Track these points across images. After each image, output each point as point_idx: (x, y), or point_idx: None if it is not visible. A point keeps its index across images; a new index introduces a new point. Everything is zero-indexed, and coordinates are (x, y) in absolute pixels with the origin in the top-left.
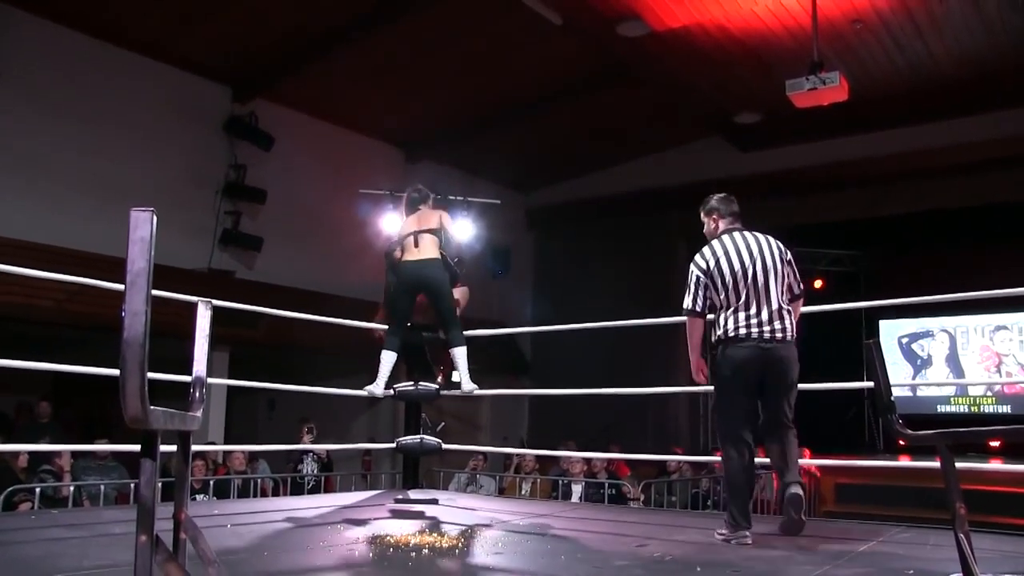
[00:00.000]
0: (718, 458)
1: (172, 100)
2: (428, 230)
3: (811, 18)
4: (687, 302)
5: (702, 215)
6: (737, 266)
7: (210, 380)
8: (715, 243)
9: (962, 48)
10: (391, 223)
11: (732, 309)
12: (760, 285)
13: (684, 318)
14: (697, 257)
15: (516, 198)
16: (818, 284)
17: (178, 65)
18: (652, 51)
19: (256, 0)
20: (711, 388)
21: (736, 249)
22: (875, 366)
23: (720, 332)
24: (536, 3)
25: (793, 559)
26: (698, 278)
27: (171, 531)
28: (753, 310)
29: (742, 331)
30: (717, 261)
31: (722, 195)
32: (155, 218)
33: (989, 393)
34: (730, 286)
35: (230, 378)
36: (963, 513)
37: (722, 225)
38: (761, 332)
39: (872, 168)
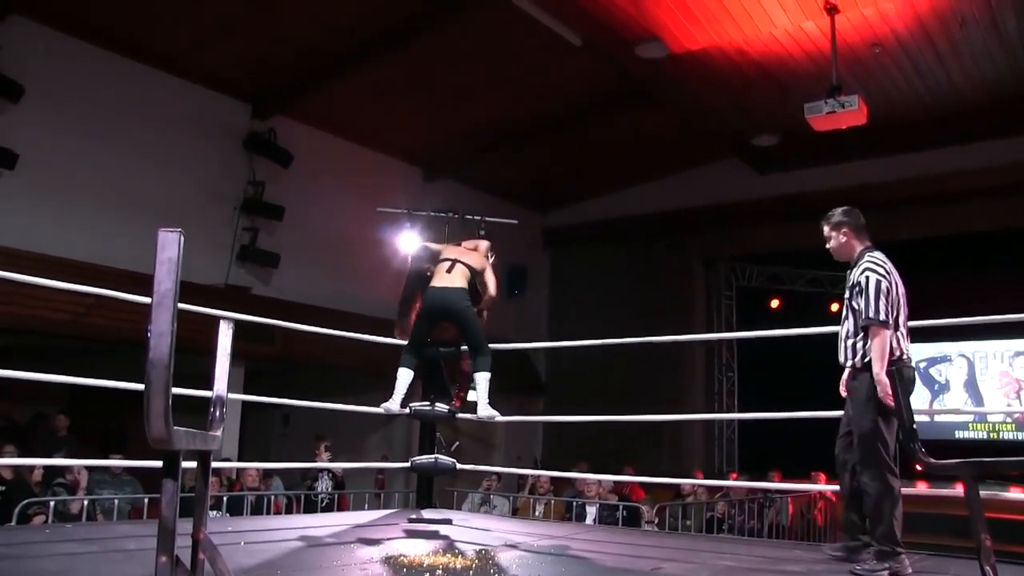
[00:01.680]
0: (734, 483)
1: (192, 116)
2: (467, 264)
3: (830, 42)
4: (876, 311)
5: (827, 229)
6: (901, 286)
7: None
8: (881, 255)
9: (982, 72)
10: (408, 241)
11: (903, 330)
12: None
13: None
14: (875, 265)
15: (533, 218)
16: (835, 307)
17: (198, 81)
18: (671, 73)
19: (276, 18)
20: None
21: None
22: (897, 393)
23: (896, 354)
24: (555, 23)
25: None
26: (888, 288)
27: (188, 548)
28: (907, 332)
29: (907, 354)
30: (890, 273)
31: (847, 207)
32: (183, 239)
33: (1008, 419)
34: (901, 305)
35: (245, 393)
36: (989, 545)
37: (859, 240)
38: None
39: (891, 192)
